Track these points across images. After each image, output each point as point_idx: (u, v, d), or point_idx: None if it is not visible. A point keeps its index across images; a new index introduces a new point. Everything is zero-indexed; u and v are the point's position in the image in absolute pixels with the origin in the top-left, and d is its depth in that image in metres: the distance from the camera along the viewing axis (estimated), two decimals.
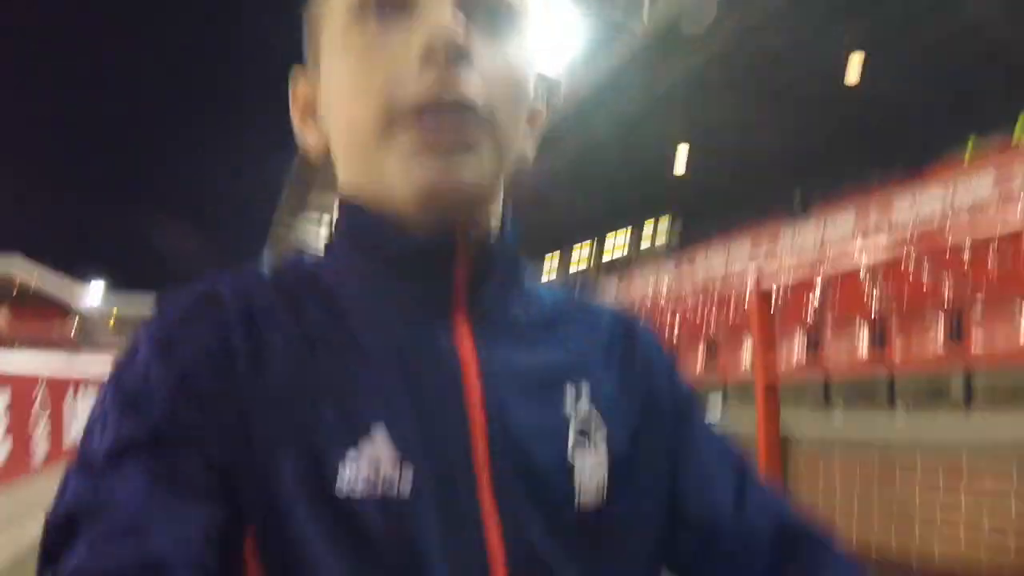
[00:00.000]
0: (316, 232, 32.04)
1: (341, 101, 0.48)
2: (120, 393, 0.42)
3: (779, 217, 14.92)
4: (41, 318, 34.95)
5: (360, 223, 0.49)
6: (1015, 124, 11.78)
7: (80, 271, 38.02)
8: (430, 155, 0.44)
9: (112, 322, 38.51)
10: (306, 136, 0.54)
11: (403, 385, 0.45)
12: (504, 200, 0.52)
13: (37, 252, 36.20)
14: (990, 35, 11.95)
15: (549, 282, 0.60)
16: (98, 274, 39.27)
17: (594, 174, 19.04)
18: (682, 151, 17.15)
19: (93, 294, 37.42)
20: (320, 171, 23.54)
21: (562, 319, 0.54)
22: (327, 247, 0.53)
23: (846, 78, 12.86)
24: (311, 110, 0.53)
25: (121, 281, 40.56)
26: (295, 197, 28.47)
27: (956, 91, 13.37)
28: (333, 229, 0.53)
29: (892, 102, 13.95)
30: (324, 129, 0.52)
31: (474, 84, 0.44)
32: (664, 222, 23.81)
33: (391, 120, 0.44)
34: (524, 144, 0.52)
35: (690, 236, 19.10)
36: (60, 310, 36.26)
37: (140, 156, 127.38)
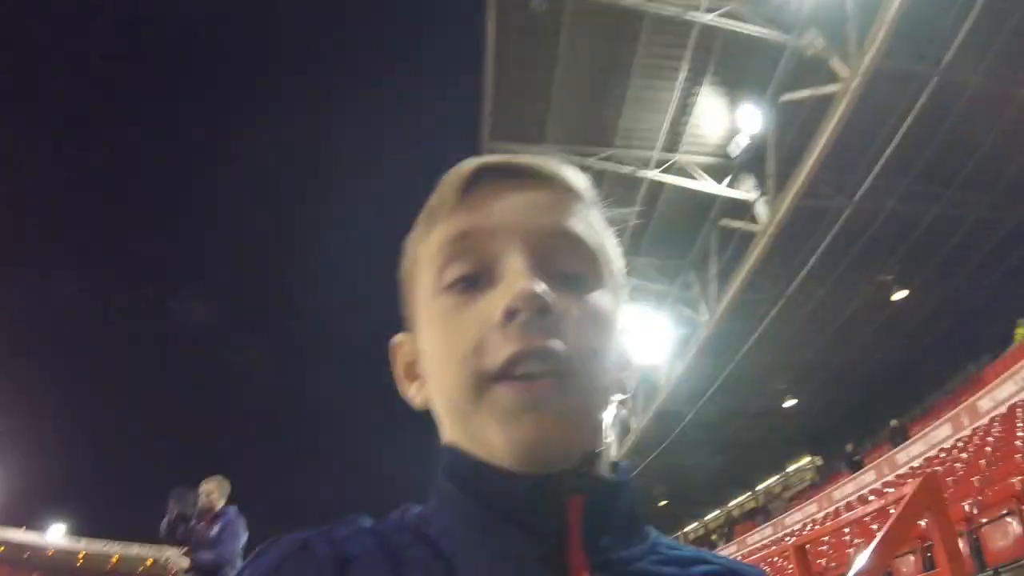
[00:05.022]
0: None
1: (434, 368, 0.51)
2: None
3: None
4: None
5: (465, 470, 0.49)
6: None
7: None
8: (525, 410, 0.45)
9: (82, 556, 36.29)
10: (409, 393, 0.56)
11: None
12: (606, 446, 0.51)
13: None
14: None
15: (681, 541, 0.58)
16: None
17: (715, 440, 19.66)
18: (789, 402, 18.88)
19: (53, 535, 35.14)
20: None
21: None
22: (435, 491, 0.52)
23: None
24: (413, 369, 0.56)
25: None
26: None
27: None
28: (440, 475, 0.52)
29: None
30: (426, 389, 0.54)
31: (559, 336, 0.46)
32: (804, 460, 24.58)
33: (481, 385, 0.46)
34: (610, 384, 0.51)
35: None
36: None
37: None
